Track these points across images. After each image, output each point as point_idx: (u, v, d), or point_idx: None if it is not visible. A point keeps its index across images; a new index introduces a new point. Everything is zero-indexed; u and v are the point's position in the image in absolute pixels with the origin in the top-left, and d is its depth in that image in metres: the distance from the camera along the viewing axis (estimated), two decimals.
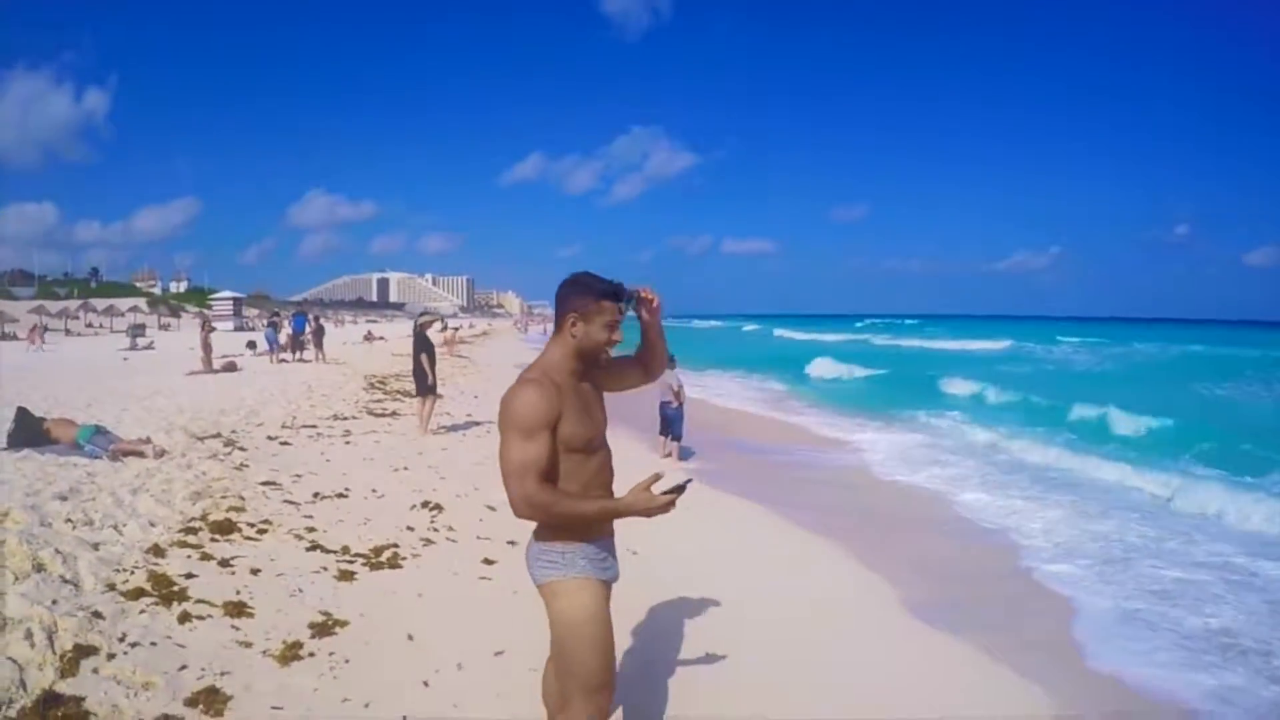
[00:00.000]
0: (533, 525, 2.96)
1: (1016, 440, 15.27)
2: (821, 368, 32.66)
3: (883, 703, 4.48)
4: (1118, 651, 5.59)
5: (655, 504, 2.74)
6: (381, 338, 45.02)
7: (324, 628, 4.79)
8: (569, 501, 2.79)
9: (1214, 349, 45.94)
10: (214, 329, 25.98)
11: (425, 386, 13.33)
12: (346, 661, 4.41)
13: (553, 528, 2.92)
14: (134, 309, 70.60)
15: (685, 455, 13.14)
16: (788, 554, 7.86)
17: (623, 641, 5.05)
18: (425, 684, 4.24)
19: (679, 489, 2.77)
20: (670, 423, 12.85)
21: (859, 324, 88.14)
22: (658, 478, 2.80)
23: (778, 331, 77.98)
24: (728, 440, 15.44)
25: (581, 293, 2.88)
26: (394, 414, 15.24)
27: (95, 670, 3.94)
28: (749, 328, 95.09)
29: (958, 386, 25.33)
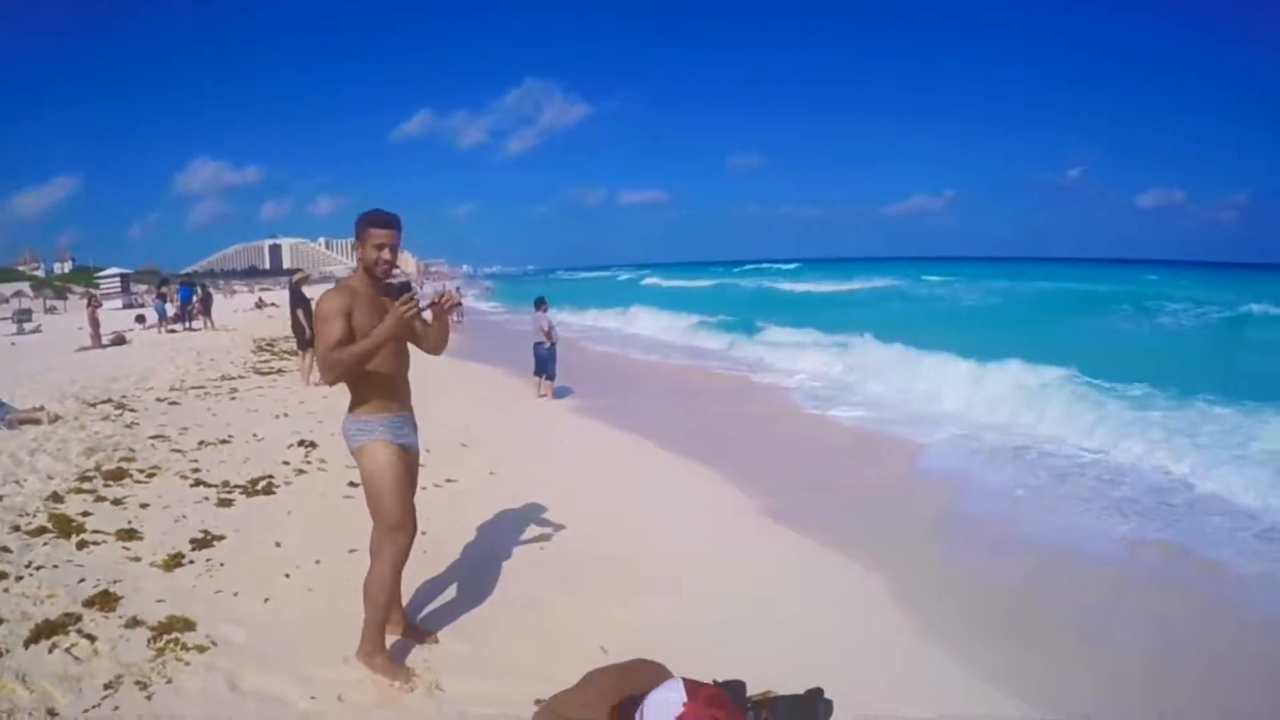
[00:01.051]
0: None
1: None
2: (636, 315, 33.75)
3: (735, 592, 5.46)
4: (941, 544, 6.79)
5: (396, 314, 3.65)
6: (274, 304, 44.50)
7: (203, 542, 5.69)
8: (350, 349, 3.65)
9: (1090, 286, 46.46)
10: (100, 305, 25.78)
11: (304, 340, 14.08)
12: (221, 565, 5.32)
13: (357, 404, 3.95)
14: (18, 294, 67.62)
15: (560, 393, 14.11)
16: (655, 471, 8.96)
17: (468, 536, 6.17)
18: (286, 575, 5.19)
19: (405, 289, 3.83)
20: (543, 362, 13.81)
21: (737, 270, 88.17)
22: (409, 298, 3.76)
23: (647, 280, 77.86)
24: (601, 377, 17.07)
25: (359, 223, 3.79)
26: (280, 371, 16.00)
27: (6, 590, 4.74)
28: (624, 277, 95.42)
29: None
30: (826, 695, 2.50)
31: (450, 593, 5.13)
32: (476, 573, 5.44)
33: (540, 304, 14.54)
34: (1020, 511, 7.79)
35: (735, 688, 2.52)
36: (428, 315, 4.19)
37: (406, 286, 3.90)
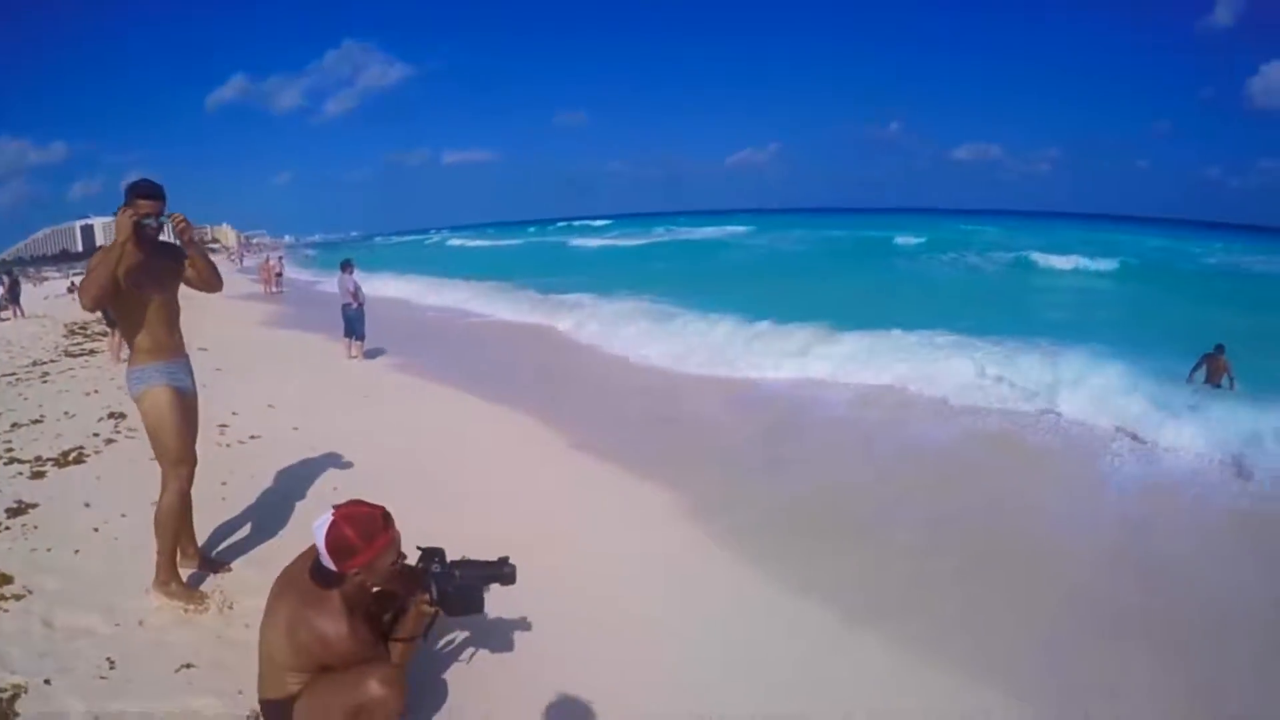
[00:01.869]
0: None
1: None
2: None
3: (538, 510, 6.53)
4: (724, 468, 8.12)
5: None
6: None
7: (17, 510, 6.12)
8: (90, 274, 4.13)
9: (890, 234, 50.24)
10: None
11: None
12: (35, 528, 5.78)
13: (135, 356, 4.47)
14: None
15: (372, 354, 14.59)
16: (462, 415, 10.03)
17: (266, 483, 6.84)
18: (95, 530, 5.74)
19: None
20: (351, 323, 14.28)
21: (551, 228, 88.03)
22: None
23: (454, 240, 77.32)
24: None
25: (128, 192, 4.13)
26: (91, 352, 15.74)
27: None
28: (431, 240, 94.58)
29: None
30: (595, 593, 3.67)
31: (245, 530, 5.81)
32: (271, 513, 6.13)
33: (346, 266, 14.93)
34: (780, 434, 9.54)
35: (435, 551, 3.34)
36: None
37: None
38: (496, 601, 4.39)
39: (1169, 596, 5.55)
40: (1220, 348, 11.32)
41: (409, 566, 3.19)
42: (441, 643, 4.33)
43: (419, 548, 3.25)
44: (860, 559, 5.99)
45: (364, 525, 2.95)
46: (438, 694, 3.95)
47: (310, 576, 3.00)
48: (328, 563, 2.93)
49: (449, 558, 3.34)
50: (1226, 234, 71.98)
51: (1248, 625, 5.13)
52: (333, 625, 2.93)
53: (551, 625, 4.58)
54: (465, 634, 4.40)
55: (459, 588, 3.22)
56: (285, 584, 3.13)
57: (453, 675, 4.12)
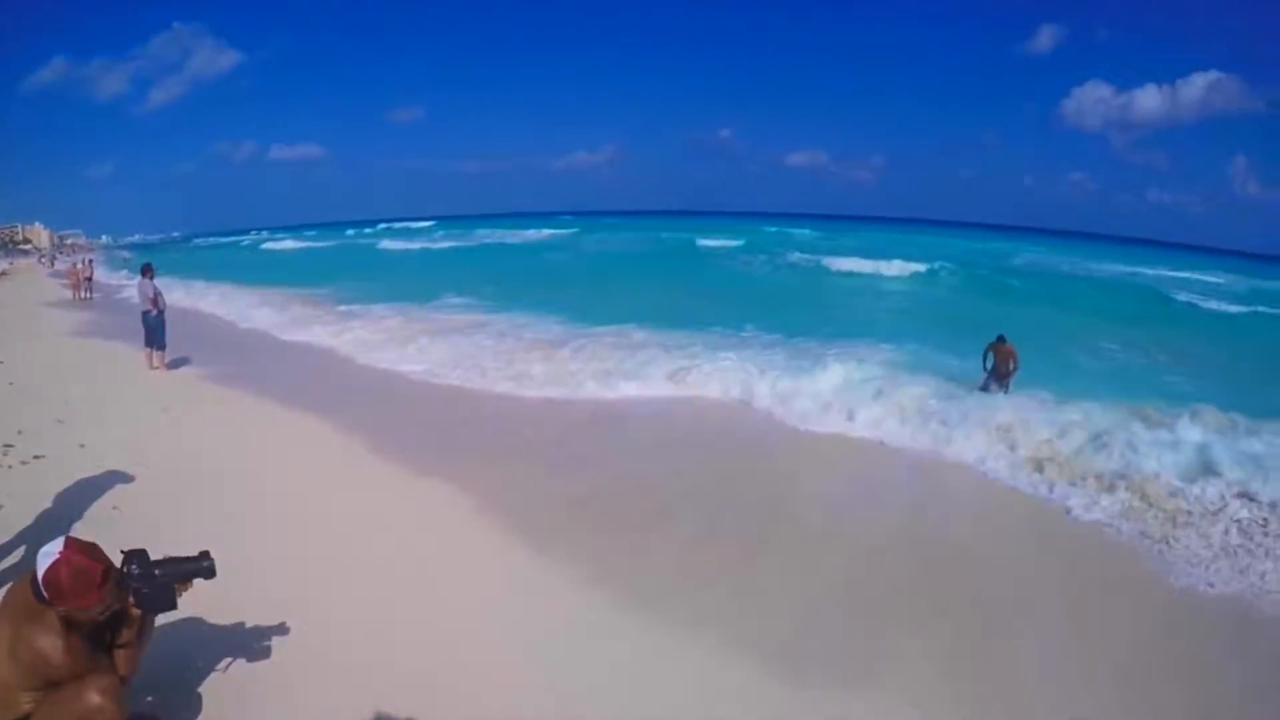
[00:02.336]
0: None
1: None
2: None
3: (340, 513, 6.72)
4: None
5: None
6: None
7: None
8: None
9: (706, 236, 52.05)
10: None
11: None
12: None
13: None
14: None
15: (175, 364, 13.93)
16: (264, 424, 9.98)
17: (44, 504, 6.43)
18: None
19: None
20: (152, 332, 13.53)
21: (370, 229, 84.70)
22: None
23: (270, 244, 73.99)
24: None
25: None
26: None
27: None
28: (247, 241, 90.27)
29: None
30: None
31: (15, 557, 5.47)
32: (45, 537, 5.78)
33: (146, 270, 14.23)
34: (569, 436, 9.97)
35: (135, 553, 3.26)
36: None
37: None
38: (262, 608, 4.60)
39: (928, 580, 6.10)
40: (1001, 337, 12.22)
41: (119, 572, 3.16)
42: (206, 652, 4.31)
43: (122, 551, 3.23)
44: (642, 549, 6.40)
45: (81, 578, 2.93)
46: (193, 708, 3.94)
47: (31, 594, 2.99)
48: (41, 591, 2.93)
49: (202, 561, 3.40)
50: (1038, 238, 78.55)
51: (1007, 601, 5.80)
52: (50, 641, 2.96)
53: (323, 631, 4.62)
54: (229, 642, 4.40)
55: (154, 586, 3.22)
56: (6, 604, 3.11)
57: (211, 685, 4.11)
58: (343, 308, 22.36)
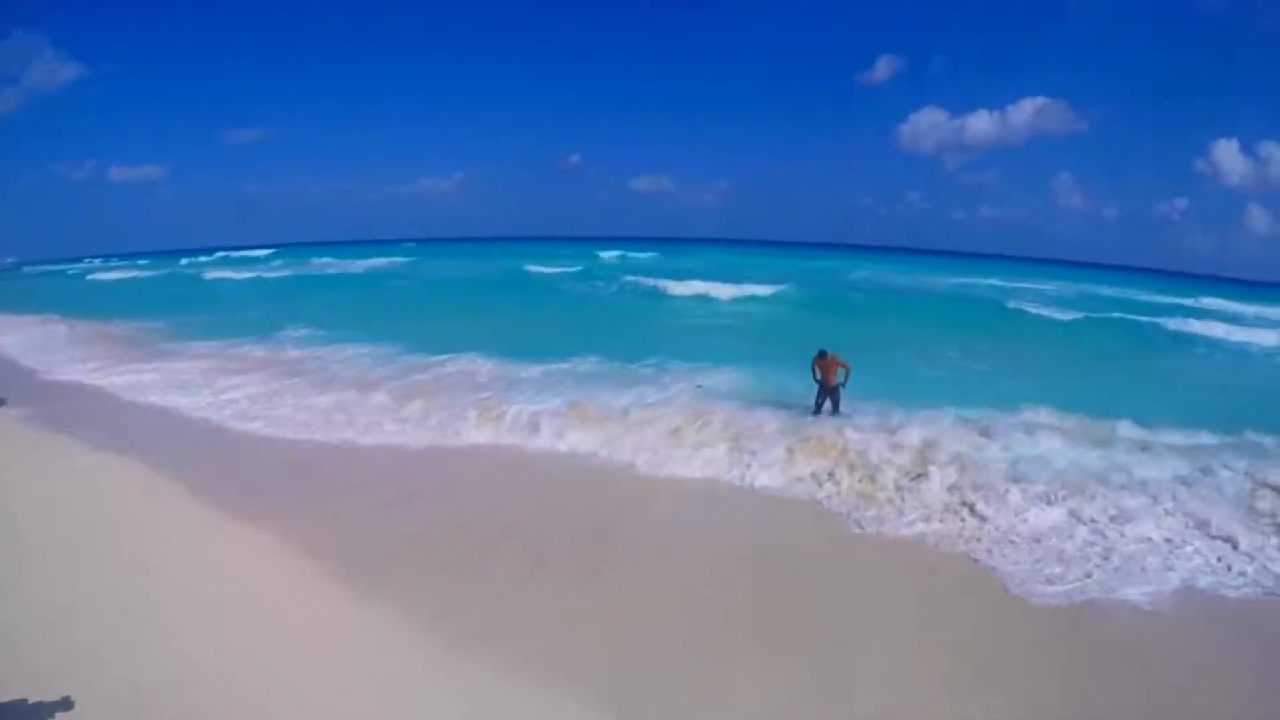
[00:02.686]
0: None
1: None
2: None
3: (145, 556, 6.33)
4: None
5: None
6: None
7: None
8: None
9: (545, 262, 48.89)
10: None
11: None
12: None
13: None
14: None
15: None
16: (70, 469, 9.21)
17: None
18: None
19: None
20: None
21: (205, 257, 78.21)
22: None
23: (95, 275, 68.52)
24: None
25: None
26: None
27: None
28: (75, 270, 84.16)
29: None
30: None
31: None
32: None
33: None
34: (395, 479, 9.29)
35: None
36: None
37: None
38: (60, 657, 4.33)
39: (761, 609, 6.04)
40: (822, 352, 11.96)
41: None
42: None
43: None
44: (469, 588, 6.23)
45: None
46: None
47: None
48: None
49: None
50: (879, 255, 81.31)
51: (840, 626, 5.81)
52: None
53: (128, 688, 4.35)
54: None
55: None
56: None
57: None
58: (162, 345, 20.51)
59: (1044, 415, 11.98)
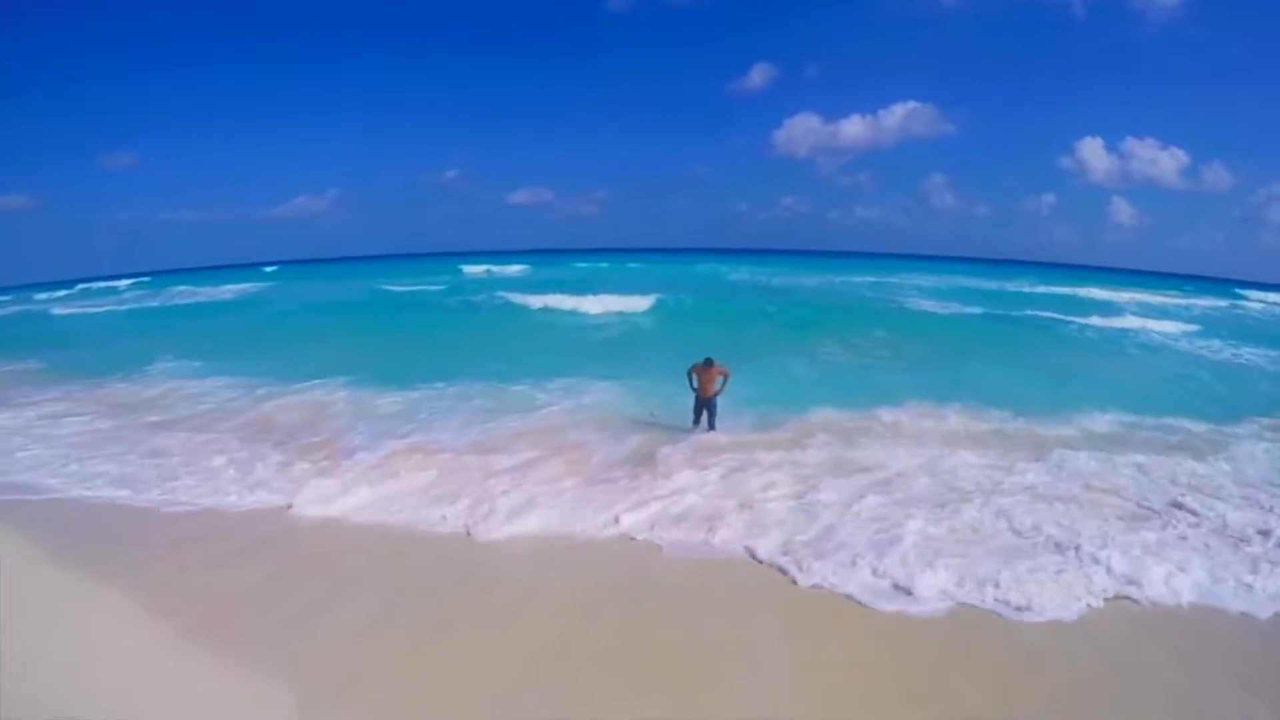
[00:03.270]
0: None
1: None
2: None
3: None
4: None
5: None
6: None
7: None
8: None
9: (411, 280, 47.23)
10: None
11: None
12: None
13: None
14: None
15: None
16: None
17: None
18: None
19: None
20: None
21: (64, 291, 70.70)
22: None
23: None
24: None
25: None
26: None
27: None
28: None
29: None
30: None
31: None
32: None
33: None
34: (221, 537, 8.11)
35: None
36: None
37: None
38: None
39: (625, 652, 5.59)
40: (708, 360, 11.28)
41: None
42: None
43: None
44: (316, 640, 5.74)
45: None
46: None
47: None
48: None
49: None
50: (755, 258, 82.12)
51: (707, 665, 5.38)
52: None
53: None
54: None
55: None
56: None
57: None
58: None
59: (912, 410, 12.29)
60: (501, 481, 9.17)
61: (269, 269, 74.76)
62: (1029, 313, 27.63)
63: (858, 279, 46.30)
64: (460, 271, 55.65)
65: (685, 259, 75.25)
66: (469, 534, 7.90)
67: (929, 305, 29.76)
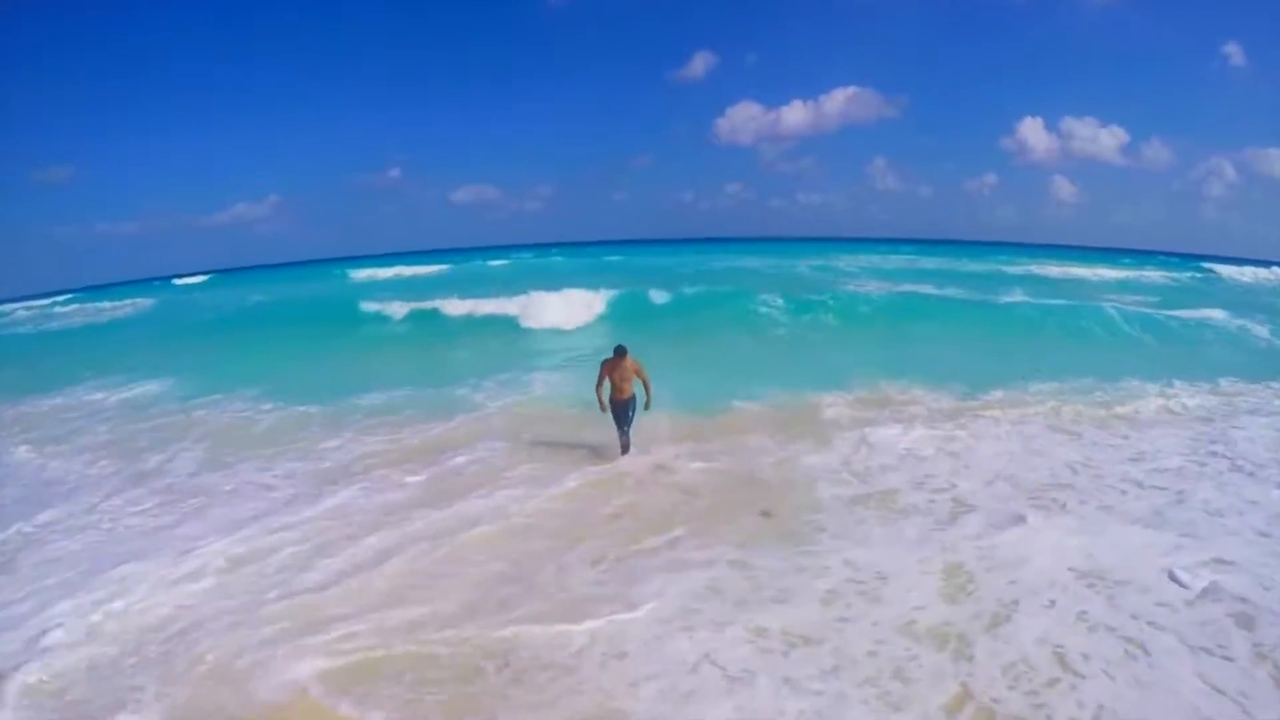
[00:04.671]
0: None
1: None
2: None
3: None
4: None
5: None
6: None
7: None
8: None
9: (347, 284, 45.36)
10: None
11: None
12: None
13: None
14: None
15: None
16: None
17: None
18: None
19: None
20: None
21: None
22: None
23: None
24: None
25: None
26: None
27: None
28: None
29: None
30: None
31: None
32: None
33: None
34: None
35: None
36: None
37: None
38: None
39: None
40: (620, 350, 9.49)
41: None
42: None
43: None
44: None
45: None
46: None
47: None
48: None
49: None
50: (697, 246, 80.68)
51: None
52: None
53: None
54: None
55: None
56: None
57: None
58: None
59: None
60: None
61: (181, 281, 69.76)
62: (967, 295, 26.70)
63: (799, 262, 45.40)
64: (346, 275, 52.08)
65: (631, 250, 73.39)
66: None
67: (868, 287, 28.84)
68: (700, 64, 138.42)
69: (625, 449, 9.57)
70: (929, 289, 28.49)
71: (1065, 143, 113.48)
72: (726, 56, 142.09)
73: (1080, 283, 35.52)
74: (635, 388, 9.62)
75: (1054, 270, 41.16)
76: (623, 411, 9.59)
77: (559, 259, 60.20)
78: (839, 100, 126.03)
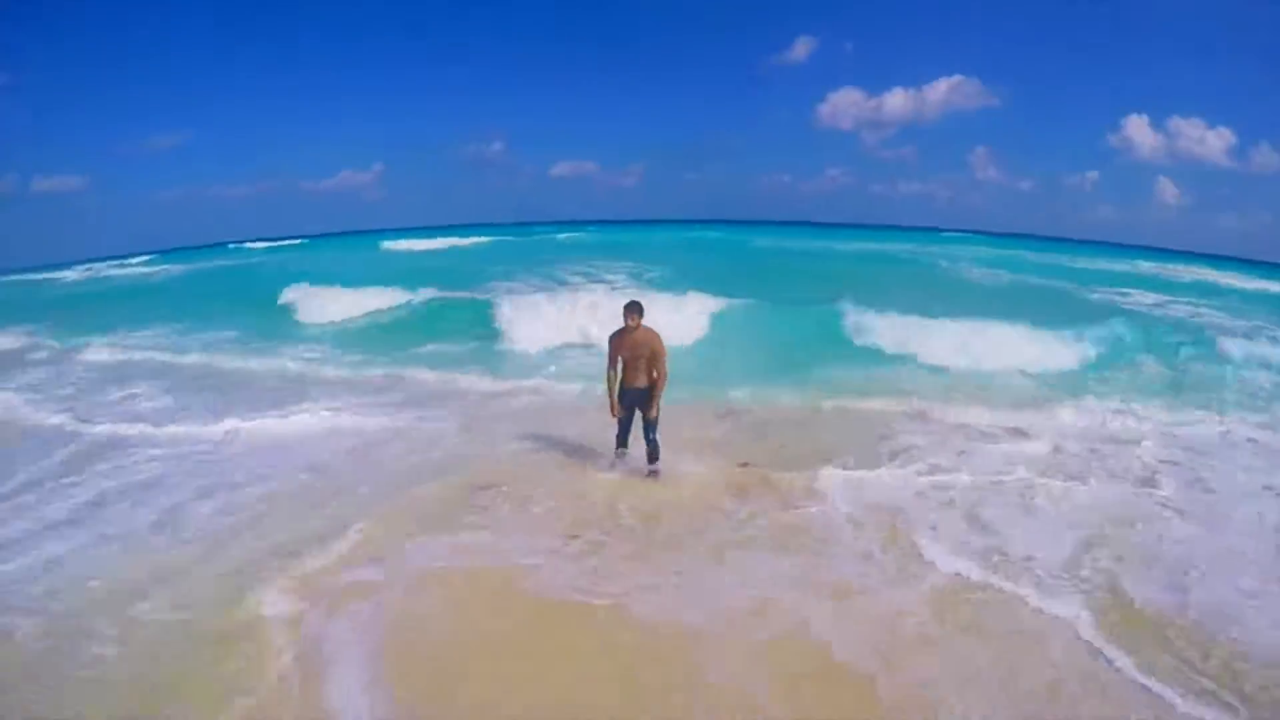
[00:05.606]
0: None
1: None
2: None
3: None
4: None
5: None
6: None
7: None
8: None
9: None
10: None
11: None
12: None
13: None
14: None
15: None
16: None
17: None
18: None
19: None
20: None
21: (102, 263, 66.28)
22: None
23: None
24: None
25: None
26: None
27: None
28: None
29: None
30: None
31: None
32: None
33: None
34: None
35: None
36: None
37: None
38: None
39: None
40: (634, 307, 6.59)
41: None
42: None
43: None
44: None
45: None
46: None
47: None
48: None
49: None
50: (792, 230, 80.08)
51: None
52: None
53: None
54: None
55: None
56: None
57: None
58: None
59: None
60: None
61: (259, 245, 68.98)
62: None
63: (902, 247, 44.83)
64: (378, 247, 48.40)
65: (731, 229, 72.85)
66: None
67: (981, 275, 28.59)
68: (802, 48, 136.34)
69: (620, 451, 6.88)
70: None
71: (1172, 143, 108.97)
72: (827, 42, 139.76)
73: None
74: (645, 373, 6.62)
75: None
76: (635, 400, 6.66)
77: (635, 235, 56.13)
78: (941, 89, 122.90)
